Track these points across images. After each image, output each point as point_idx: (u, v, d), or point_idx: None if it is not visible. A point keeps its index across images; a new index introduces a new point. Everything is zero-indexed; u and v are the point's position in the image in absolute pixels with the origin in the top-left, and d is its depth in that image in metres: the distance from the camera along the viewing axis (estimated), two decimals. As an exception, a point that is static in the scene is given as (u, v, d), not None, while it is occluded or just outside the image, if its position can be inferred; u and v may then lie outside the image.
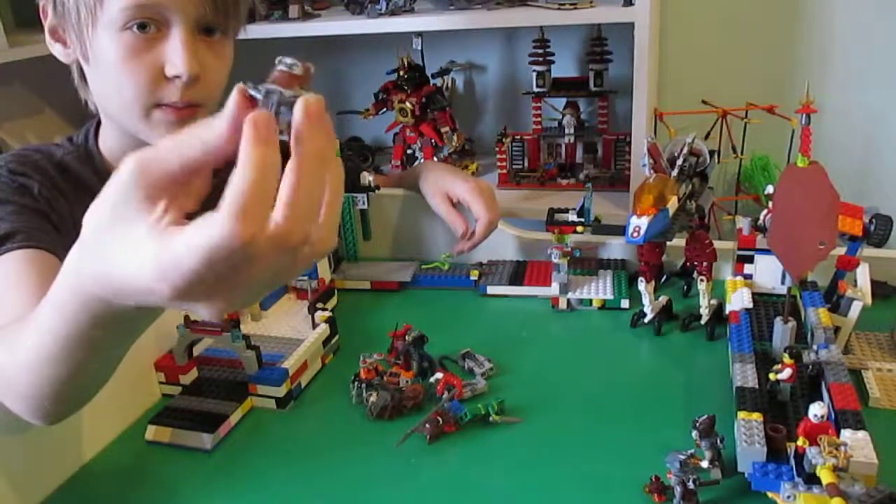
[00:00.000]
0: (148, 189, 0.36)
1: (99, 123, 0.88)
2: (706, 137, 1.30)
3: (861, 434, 0.58)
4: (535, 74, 1.49)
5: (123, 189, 0.37)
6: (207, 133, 0.37)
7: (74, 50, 0.78)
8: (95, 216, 0.38)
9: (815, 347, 0.71)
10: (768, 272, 0.85)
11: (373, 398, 0.75)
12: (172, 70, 0.75)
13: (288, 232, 0.36)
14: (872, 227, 0.77)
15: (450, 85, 1.66)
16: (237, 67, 0.83)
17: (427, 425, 0.71)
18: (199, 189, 0.39)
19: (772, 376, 0.67)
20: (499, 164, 1.53)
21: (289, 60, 0.37)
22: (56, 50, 0.81)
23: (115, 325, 0.45)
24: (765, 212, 0.81)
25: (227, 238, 0.34)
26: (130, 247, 0.37)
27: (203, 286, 0.36)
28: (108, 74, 0.77)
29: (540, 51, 1.47)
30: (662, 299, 0.89)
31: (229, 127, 0.36)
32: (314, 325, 0.87)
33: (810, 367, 0.69)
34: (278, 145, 0.36)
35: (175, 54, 0.74)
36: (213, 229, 0.34)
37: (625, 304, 0.93)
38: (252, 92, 0.36)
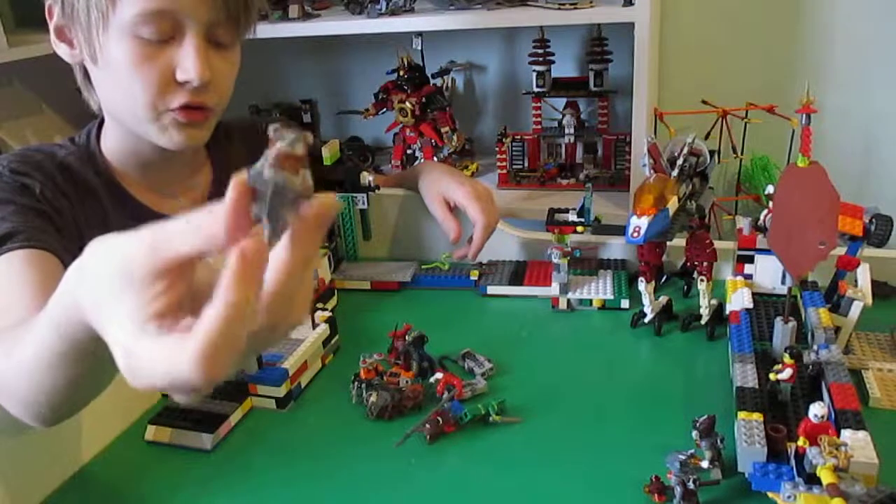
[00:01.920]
0: (150, 267, 0.36)
1: (101, 124, 0.88)
2: (706, 137, 1.29)
3: (861, 434, 0.58)
4: (535, 74, 1.49)
5: (136, 251, 0.36)
6: (207, 225, 0.35)
7: (81, 51, 0.78)
8: (103, 253, 0.38)
9: (815, 347, 0.71)
10: (768, 272, 0.85)
11: (373, 398, 0.75)
12: (184, 75, 0.75)
13: (259, 329, 0.36)
14: (872, 227, 0.77)
15: (450, 85, 1.66)
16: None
17: (427, 425, 0.71)
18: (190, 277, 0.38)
19: (772, 376, 0.67)
20: (499, 164, 1.53)
21: (290, 136, 0.33)
22: (61, 50, 0.81)
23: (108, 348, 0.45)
24: (765, 212, 0.81)
25: (190, 378, 0.34)
26: (115, 315, 0.37)
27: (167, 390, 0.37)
28: (118, 77, 0.77)
29: (540, 51, 1.47)
30: (662, 299, 0.89)
31: (227, 223, 0.34)
32: (314, 325, 0.87)
33: (810, 367, 0.69)
34: (262, 279, 0.35)
35: (187, 60, 0.74)
36: (178, 365, 0.34)
37: (625, 304, 0.93)
38: (251, 182, 0.34)
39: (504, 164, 1.53)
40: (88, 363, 0.47)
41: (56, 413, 0.56)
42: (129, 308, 0.36)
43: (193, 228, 0.35)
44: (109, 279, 0.37)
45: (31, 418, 0.56)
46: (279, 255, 0.36)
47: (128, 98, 0.77)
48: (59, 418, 0.57)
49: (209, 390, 0.35)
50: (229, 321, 0.34)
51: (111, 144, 0.87)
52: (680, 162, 0.82)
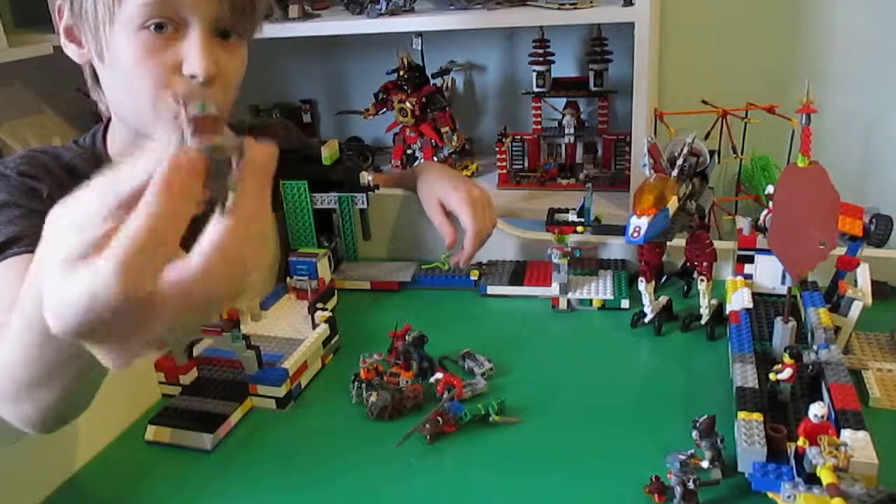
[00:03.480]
0: (96, 211, 0.35)
1: (107, 126, 0.88)
2: (706, 137, 1.29)
3: (861, 434, 0.58)
4: (535, 74, 1.49)
5: (80, 203, 0.35)
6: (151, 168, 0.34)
7: (89, 50, 0.78)
8: (55, 216, 0.36)
9: (815, 347, 0.71)
10: (768, 272, 0.85)
11: (373, 398, 0.75)
12: (189, 69, 0.74)
13: (191, 292, 0.33)
14: (872, 227, 0.77)
15: (450, 85, 1.66)
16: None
17: (427, 425, 0.70)
18: None
19: (772, 376, 0.67)
20: (499, 164, 1.53)
21: (198, 103, 0.33)
22: (70, 50, 0.81)
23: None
24: (765, 212, 0.81)
25: (107, 288, 0.32)
26: (50, 264, 0.35)
27: (93, 333, 0.34)
28: (124, 73, 0.76)
29: (540, 51, 1.47)
30: (662, 299, 0.89)
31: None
32: (314, 325, 0.87)
33: (810, 367, 0.69)
34: (193, 201, 0.33)
35: (192, 54, 0.74)
36: (96, 278, 0.32)
37: (625, 304, 0.93)
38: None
39: (504, 164, 1.53)
40: (60, 355, 0.46)
41: (42, 414, 0.55)
42: (67, 250, 0.34)
43: (139, 171, 0.34)
44: (57, 238, 0.35)
45: (19, 420, 0.56)
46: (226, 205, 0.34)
47: (133, 94, 0.77)
48: (47, 421, 0.57)
49: (130, 309, 0.32)
50: (150, 231, 0.32)
51: (118, 146, 0.87)
52: (680, 162, 0.82)
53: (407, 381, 0.79)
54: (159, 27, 0.73)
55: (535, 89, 1.50)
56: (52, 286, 0.34)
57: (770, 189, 0.77)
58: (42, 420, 0.56)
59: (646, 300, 0.88)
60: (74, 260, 0.34)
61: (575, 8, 1.28)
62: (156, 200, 0.32)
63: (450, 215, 1.00)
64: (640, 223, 0.75)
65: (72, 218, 0.35)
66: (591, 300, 0.94)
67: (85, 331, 0.34)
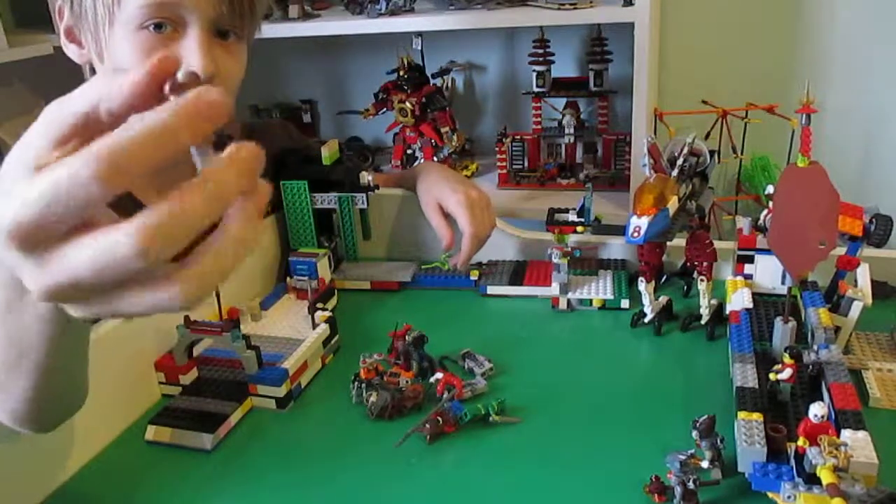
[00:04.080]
0: (53, 133, 0.33)
1: None
2: (706, 137, 1.30)
3: (861, 434, 0.58)
4: (535, 74, 1.49)
5: (31, 134, 0.33)
6: (110, 81, 0.33)
7: (89, 50, 0.78)
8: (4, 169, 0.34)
9: (815, 347, 0.71)
10: (768, 272, 0.85)
11: (373, 398, 0.75)
12: (188, 69, 0.74)
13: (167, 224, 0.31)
14: (872, 227, 0.77)
15: (450, 85, 1.66)
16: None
17: (427, 425, 0.70)
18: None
19: (772, 376, 0.67)
20: (499, 164, 1.53)
21: (183, 71, 0.34)
22: (70, 51, 0.81)
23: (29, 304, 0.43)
24: (765, 212, 0.81)
25: (87, 180, 0.30)
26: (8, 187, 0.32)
27: (41, 244, 0.32)
28: None
29: (540, 51, 1.47)
30: (662, 299, 0.89)
31: (135, 80, 0.32)
32: (314, 325, 0.87)
33: (810, 367, 0.69)
34: (205, 134, 0.32)
35: (191, 54, 0.74)
36: (74, 178, 0.30)
37: (625, 304, 0.93)
38: None
39: (504, 164, 1.53)
40: (30, 330, 0.46)
41: (27, 406, 0.54)
42: (28, 168, 0.32)
43: (96, 85, 0.33)
44: (15, 161, 0.33)
45: (7, 415, 0.55)
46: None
47: None
48: (31, 413, 0.56)
49: (105, 196, 0.30)
50: (153, 134, 0.30)
51: None
52: (680, 162, 0.82)
53: (407, 381, 0.79)
54: (158, 27, 0.73)
55: (535, 89, 1.50)
56: (14, 195, 0.32)
57: (770, 189, 0.76)
58: (27, 413, 0.55)
59: (646, 300, 0.88)
60: (37, 166, 0.32)
61: (575, 8, 1.28)
62: (169, 111, 0.31)
63: (448, 217, 1.00)
64: (640, 223, 0.75)
65: (15, 154, 0.33)
66: (591, 300, 0.94)
67: (30, 238, 0.32)
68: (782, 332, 0.74)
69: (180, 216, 0.31)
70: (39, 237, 0.32)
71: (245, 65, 0.82)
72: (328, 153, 1.05)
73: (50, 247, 0.32)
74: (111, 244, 0.31)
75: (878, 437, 0.58)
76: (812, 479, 0.54)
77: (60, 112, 0.33)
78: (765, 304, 0.85)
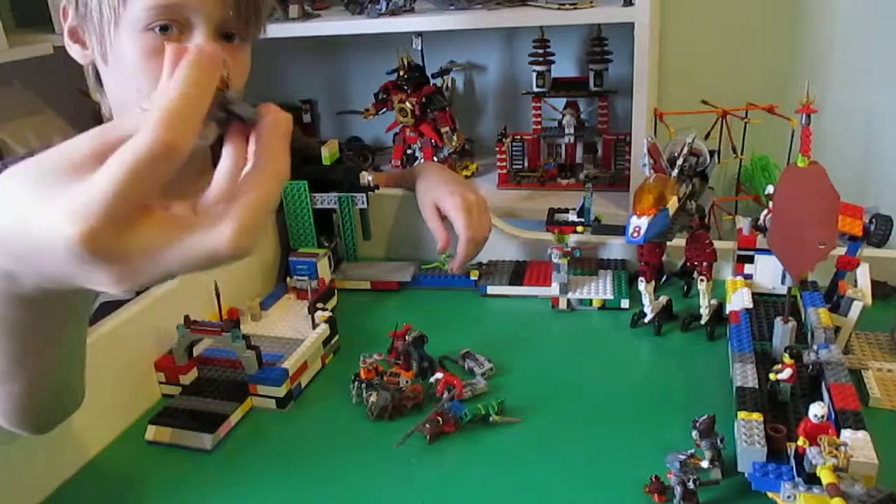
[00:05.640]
0: (97, 146, 0.34)
1: None
2: (706, 137, 1.30)
3: (861, 434, 0.58)
4: (535, 74, 1.49)
5: (71, 143, 0.34)
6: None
7: (93, 51, 0.78)
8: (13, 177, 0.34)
9: (815, 347, 0.71)
10: (768, 272, 0.85)
11: (373, 398, 0.75)
12: None
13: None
14: (872, 227, 0.77)
15: (450, 85, 1.66)
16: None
17: (427, 425, 0.71)
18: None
19: (772, 376, 0.67)
20: (499, 164, 1.53)
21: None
22: (74, 51, 0.81)
23: (31, 305, 0.41)
24: (765, 212, 0.81)
25: (147, 144, 0.32)
26: (47, 198, 0.33)
27: (115, 230, 0.33)
28: (128, 75, 0.77)
29: (540, 51, 1.47)
30: (662, 299, 0.89)
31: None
32: (314, 325, 0.87)
33: (810, 367, 0.69)
34: (214, 87, 0.35)
35: None
36: (135, 152, 0.32)
37: (625, 304, 0.93)
38: None
39: (504, 164, 1.53)
40: (13, 331, 0.44)
41: (17, 404, 0.53)
42: (72, 178, 0.33)
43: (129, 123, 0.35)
44: (42, 170, 0.34)
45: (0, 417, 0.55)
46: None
47: (136, 95, 0.77)
48: (19, 413, 0.54)
49: (170, 162, 0.32)
50: (185, 97, 0.33)
51: None
52: (680, 162, 0.82)
53: (407, 381, 0.79)
54: (164, 29, 0.74)
55: (535, 89, 1.50)
56: (63, 196, 0.33)
57: (770, 189, 0.76)
58: (17, 414, 0.54)
59: (646, 300, 0.88)
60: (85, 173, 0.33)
61: (575, 8, 1.28)
62: (185, 72, 0.33)
63: (445, 219, 0.99)
64: (640, 223, 0.75)
65: (53, 158, 0.34)
66: (591, 300, 0.94)
67: (102, 229, 0.32)
68: (782, 332, 0.74)
69: (266, 203, 0.34)
70: (110, 234, 0.33)
71: (248, 67, 0.83)
72: (328, 153, 1.05)
73: (121, 243, 0.33)
74: (201, 239, 0.33)
75: (878, 437, 0.58)
76: (812, 479, 0.54)
77: (103, 132, 0.35)
78: (765, 304, 0.85)
